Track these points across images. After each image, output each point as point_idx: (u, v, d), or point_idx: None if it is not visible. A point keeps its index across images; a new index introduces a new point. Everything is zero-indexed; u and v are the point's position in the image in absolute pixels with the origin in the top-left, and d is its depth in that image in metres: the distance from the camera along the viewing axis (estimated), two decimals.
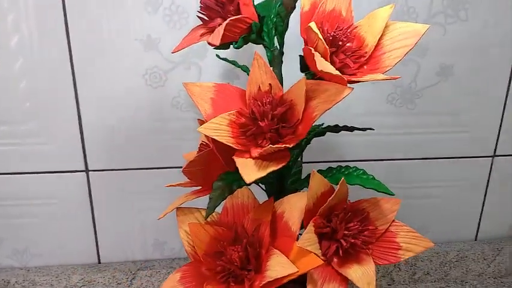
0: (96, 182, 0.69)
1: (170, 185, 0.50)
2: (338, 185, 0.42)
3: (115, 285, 0.71)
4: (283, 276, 0.39)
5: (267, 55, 0.47)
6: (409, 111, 0.70)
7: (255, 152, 0.39)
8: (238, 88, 0.43)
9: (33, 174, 0.68)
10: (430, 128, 0.72)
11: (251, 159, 0.39)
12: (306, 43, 0.41)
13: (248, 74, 0.44)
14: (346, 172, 0.47)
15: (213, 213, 0.44)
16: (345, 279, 0.42)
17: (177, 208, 0.47)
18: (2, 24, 0.60)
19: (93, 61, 0.63)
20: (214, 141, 0.42)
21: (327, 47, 0.38)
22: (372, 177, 0.45)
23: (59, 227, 0.71)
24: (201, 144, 0.49)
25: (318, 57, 0.38)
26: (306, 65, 0.43)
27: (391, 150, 0.73)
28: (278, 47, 0.45)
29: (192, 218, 0.46)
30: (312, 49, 0.38)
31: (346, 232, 0.42)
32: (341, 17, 0.41)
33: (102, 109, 0.65)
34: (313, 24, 0.38)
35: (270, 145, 0.39)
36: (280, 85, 0.41)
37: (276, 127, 0.39)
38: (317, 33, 0.37)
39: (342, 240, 0.42)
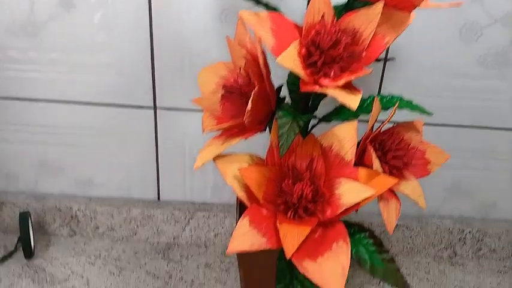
0: (163, 120, 0.68)
1: (211, 129, 0.47)
2: (393, 109, 0.45)
3: (173, 222, 0.71)
4: (360, 201, 0.40)
5: None
6: (503, 75, 0.64)
7: (331, 82, 0.39)
8: (289, 19, 0.42)
9: (100, 107, 0.67)
10: None
11: (338, 89, 0.39)
12: None
13: (274, 10, 0.46)
14: (389, 100, 0.49)
15: (253, 156, 0.45)
16: (397, 197, 0.45)
17: (215, 157, 0.45)
18: None
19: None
20: (267, 75, 0.43)
21: None
22: (410, 101, 0.48)
23: (122, 161, 0.71)
24: (225, 85, 0.47)
25: None
26: None
27: (475, 117, 0.67)
28: None
29: (234, 164, 0.44)
30: None
31: (395, 154, 0.45)
32: None
33: (175, 47, 0.63)
34: None
35: (350, 75, 0.38)
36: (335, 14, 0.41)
37: (342, 55, 0.39)
38: None
39: (393, 161, 0.45)
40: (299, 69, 0.38)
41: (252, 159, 0.45)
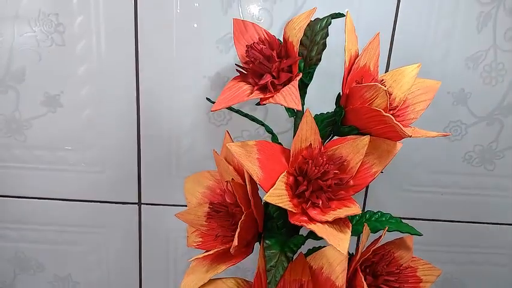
0: (147, 216, 0.66)
1: (200, 257, 0.44)
2: (383, 233, 0.43)
3: None
4: None
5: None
6: (487, 172, 0.65)
7: (322, 215, 0.38)
8: (276, 144, 0.42)
9: (84, 203, 0.66)
10: (509, 191, 0.66)
11: (326, 225, 0.38)
12: (348, 98, 0.42)
13: (262, 125, 0.49)
14: (377, 219, 0.48)
15: (239, 280, 0.44)
16: None
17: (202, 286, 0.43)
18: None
19: (160, 92, 0.61)
20: (255, 203, 0.42)
21: (388, 106, 0.39)
22: (399, 220, 0.47)
23: (103, 258, 0.69)
24: (212, 203, 0.46)
25: (393, 120, 0.38)
26: (342, 120, 0.43)
27: (461, 211, 0.67)
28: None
29: None
30: (382, 111, 0.38)
31: (387, 278, 0.43)
32: (369, 71, 0.43)
33: (162, 144, 0.63)
34: (379, 84, 0.38)
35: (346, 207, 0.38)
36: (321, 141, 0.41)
37: (330, 185, 0.39)
38: (385, 95, 0.38)
39: (384, 286, 0.43)
40: (287, 204, 0.38)
41: (237, 284, 0.43)
